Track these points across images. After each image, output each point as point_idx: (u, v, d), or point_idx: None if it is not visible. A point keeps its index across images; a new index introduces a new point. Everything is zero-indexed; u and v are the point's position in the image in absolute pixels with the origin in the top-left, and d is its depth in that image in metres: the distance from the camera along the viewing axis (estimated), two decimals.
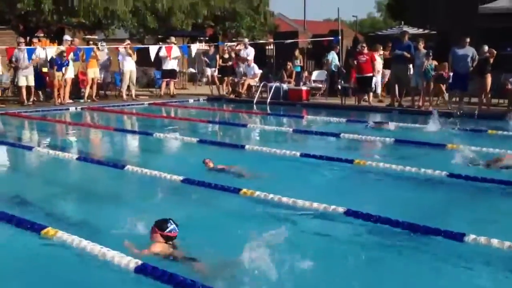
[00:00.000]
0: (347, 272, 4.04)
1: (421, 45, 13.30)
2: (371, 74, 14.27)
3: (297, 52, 17.31)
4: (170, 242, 4.18)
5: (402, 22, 20.72)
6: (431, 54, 13.11)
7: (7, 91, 15.11)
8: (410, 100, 13.69)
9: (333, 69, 15.90)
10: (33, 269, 4.05)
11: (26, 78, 13.92)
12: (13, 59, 13.78)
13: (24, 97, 14.05)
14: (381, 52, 15.13)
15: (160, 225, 4.19)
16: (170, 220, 4.22)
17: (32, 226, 4.63)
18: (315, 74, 17.68)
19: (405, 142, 8.92)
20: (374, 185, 6.62)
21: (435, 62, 13.40)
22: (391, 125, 10.47)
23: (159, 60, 16.85)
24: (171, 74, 17.05)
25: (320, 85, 16.71)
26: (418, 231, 4.62)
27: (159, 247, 4.11)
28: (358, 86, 14.62)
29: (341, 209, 5.06)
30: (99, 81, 15.89)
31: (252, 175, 6.67)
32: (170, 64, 16.77)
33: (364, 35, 26.88)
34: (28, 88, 14.09)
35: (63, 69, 14.23)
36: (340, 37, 15.03)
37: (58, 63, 14.15)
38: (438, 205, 5.79)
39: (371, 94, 14.49)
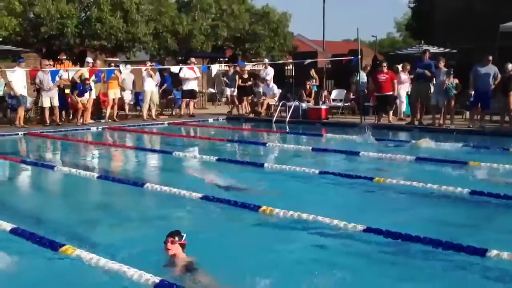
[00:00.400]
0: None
1: (442, 64, 13.23)
2: (390, 93, 14.24)
3: (312, 72, 17.36)
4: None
5: (422, 42, 20.66)
6: (452, 72, 13.04)
7: (30, 111, 15.36)
8: (431, 118, 13.58)
9: (362, 88, 15.83)
10: (52, 286, 4.05)
11: (51, 99, 14.18)
12: (37, 81, 14.04)
13: (47, 117, 14.28)
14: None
15: (178, 235, 4.29)
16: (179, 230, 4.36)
17: (51, 243, 4.64)
18: (334, 93, 17.69)
19: (425, 159, 8.81)
20: (394, 202, 6.54)
21: (456, 81, 13.30)
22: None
23: (179, 81, 17.04)
24: (191, 94, 17.21)
25: (339, 104, 16.69)
26: (440, 246, 4.52)
27: (184, 256, 4.24)
28: (377, 104, 14.57)
29: (360, 227, 4.99)
30: (130, 102, 16.14)
31: None
32: (190, 85, 16.94)
33: (384, 54, 26.86)
34: (51, 108, 14.33)
35: (86, 94, 14.51)
36: (359, 57, 15.02)
37: (80, 89, 14.46)
38: (460, 222, 5.70)
39: (390, 112, 14.44)
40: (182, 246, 4.29)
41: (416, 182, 6.85)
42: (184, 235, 4.33)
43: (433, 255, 4.50)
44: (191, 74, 16.85)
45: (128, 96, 16.17)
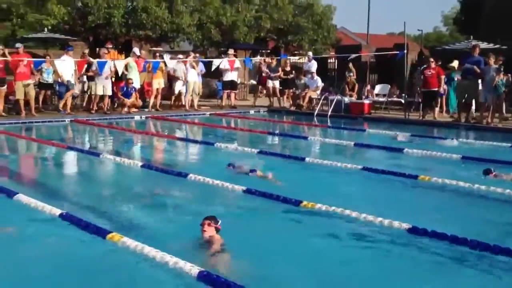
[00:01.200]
0: None
1: (491, 60, 12.83)
2: (436, 89, 13.94)
3: (350, 65, 17.13)
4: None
5: (471, 37, 20.08)
6: (502, 69, 12.64)
7: (77, 99, 15.74)
8: (479, 115, 13.23)
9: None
10: (97, 273, 4.14)
11: (104, 87, 14.50)
12: (93, 68, 14.35)
13: (95, 105, 14.60)
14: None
15: (214, 219, 4.64)
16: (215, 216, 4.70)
17: (98, 230, 4.76)
18: (378, 88, 17.42)
19: (471, 159, 8.58)
20: (440, 202, 6.40)
21: (506, 77, 12.89)
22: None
23: (220, 72, 17.12)
24: (232, 85, 17.28)
25: (383, 99, 16.44)
26: (487, 250, 4.40)
27: (219, 238, 4.55)
28: (423, 100, 14.28)
29: (405, 225, 4.90)
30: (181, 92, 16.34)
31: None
32: (231, 76, 17.00)
33: (430, 49, 26.25)
34: (101, 97, 14.64)
35: (130, 96, 14.81)
36: (405, 51, 14.73)
37: (124, 90, 14.75)
38: (508, 224, 5.52)
39: (436, 109, 14.14)
40: (217, 230, 4.59)
41: (462, 182, 6.69)
42: (220, 221, 4.63)
43: (480, 259, 4.38)
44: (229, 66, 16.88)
45: (179, 87, 16.32)
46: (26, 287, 3.88)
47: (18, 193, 5.92)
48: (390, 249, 4.71)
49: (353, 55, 17.13)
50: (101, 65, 13.92)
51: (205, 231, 4.54)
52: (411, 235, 4.80)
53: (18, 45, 14.14)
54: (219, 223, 4.63)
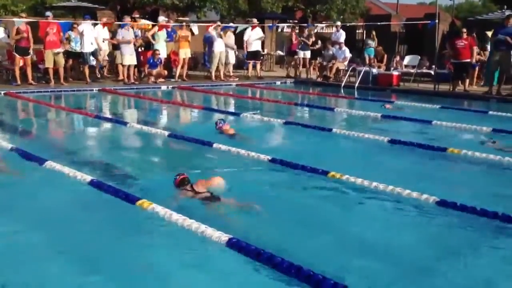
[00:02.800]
0: (438, 263, 3.87)
1: None
2: (468, 60, 13.60)
3: (373, 34, 16.80)
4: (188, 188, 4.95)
5: (505, 7, 19.44)
6: None
7: (104, 68, 15.84)
8: (511, 88, 12.90)
9: None
10: (126, 240, 4.20)
11: (130, 57, 14.55)
12: (120, 37, 14.39)
13: (123, 75, 14.68)
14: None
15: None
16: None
17: (127, 197, 4.83)
18: (407, 59, 17.07)
19: (503, 132, 8.40)
20: (469, 175, 6.31)
21: None
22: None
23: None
24: (255, 55, 17.14)
25: (412, 70, 16.12)
26: None
27: (184, 194, 4.94)
28: (454, 72, 13.96)
29: (434, 198, 4.85)
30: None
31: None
32: (254, 46, 16.84)
33: (462, 19, 25.54)
34: (128, 66, 14.72)
35: (157, 67, 14.81)
36: (436, 21, 14.35)
37: (150, 62, 14.78)
38: None
39: (467, 80, 13.83)
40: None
41: (492, 155, 6.57)
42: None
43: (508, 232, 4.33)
44: (255, 35, 16.75)
45: (233, 58, 16.36)
46: (56, 251, 3.97)
47: (47, 160, 6.03)
48: (418, 222, 4.68)
49: (381, 23, 16.77)
50: (125, 33, 14.02)
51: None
52: (440, 208, 4.75)
53: (47, 13, 14.23)
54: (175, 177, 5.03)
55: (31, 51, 13.51)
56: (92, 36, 14.34)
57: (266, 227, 4.43)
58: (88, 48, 14.27)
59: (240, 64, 18.26)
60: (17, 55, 13.24)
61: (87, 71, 14.40)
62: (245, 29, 16.71)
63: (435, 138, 8.02)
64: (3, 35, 14.14)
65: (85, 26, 14.36)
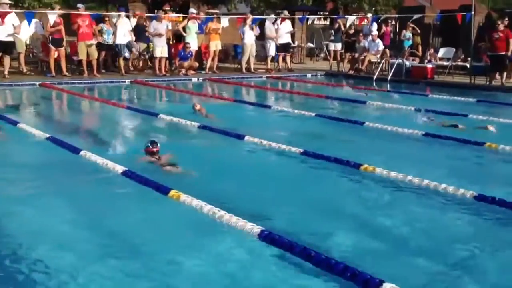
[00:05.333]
0: (474, 260, 3.76)
1: None
2: (504, 53, 13.23)
3: (410, 24, 16.48)
4: (156, 156, 5.78)
5: None
6: None
7: (136, 60, 15.96)
8: None
9: None
10: (157, 230, 4.21)
11: (161, 49, 14.63)
12: (151, 30, 14.48)
13: (157, 67, 14.76)
14: None
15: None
16: (150, 140, 5.91)
17: (158, 188, 4.83)
18: (441, 52, 16.71)
19: None
20: (508, 170, 6.12)
21: None
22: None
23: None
24: (285, 48, 17.03)
25: (447, 63, 15.78)
26: None
27: (146, 158, 5.78)
28: (490, 64, 13.61)
29: (471, 193, 4.72)
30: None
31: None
32: (284, 38, 16.73)
33: (499, 11, 24.86)
34: (160, 59, 14.79)
35: (188, 59, 14.87)
36: (472, 13, 14.00)
37: (181, 55, 14.83)
38: None
39: (504, 73, 13.46)
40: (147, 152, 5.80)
41: None
42: (148, 143, 5.84)
43: None
44: (286, 28, 16.65)
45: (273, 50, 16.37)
46: (90, 241, 4.00)
47: (81, 150, 6.09)
48: (455, 216, 4.57)
49: (416, 16, 16.45)
50: (157, 25, 14.11)
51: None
52: (478, 203, 4.62)
53: (79, 5, 14.40)
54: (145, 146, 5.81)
55: (64, 43, 13.70)
56: (125, 28, 14.45)
57: (300, 219, 4.38)
58: (121, 40, 14.38)
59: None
60: (52, 47, 13.45)
61: (121, 62, 14.53)
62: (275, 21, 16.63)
63: (471, 132, 7.81)
64: (39, 27, 14.37)
65: (119, 18, 14.47)
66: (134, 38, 14.70)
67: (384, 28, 16.80)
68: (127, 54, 14.76)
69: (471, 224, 4.43)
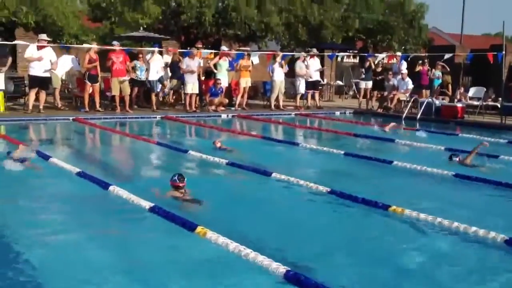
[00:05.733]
0: None
1: None
2: None
3: (439, 63, 16.44)
4: (182, 191, 5.82)
5: None
6: None
7: (168, 97, 16.28)
8: None
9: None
10: (183, 266, 4.23)
11: (192, 86, 14.93)
12: (183, 66, 14.82)
13: (188, 104, 15.01)
14: None
15: (171, 178, 5.90)
16: (177, 174, 5.93)
17: (184, 224, 4.87)
18: (472, 91, 16.59)
19: None
20: None
21: None
22: None
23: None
24: (314, 85, 17.16)
25: (477, 103, 15.62)
26: None
27: (171, 193, 5.82)
28: None
29: (502, 237, 4.61)
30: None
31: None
32: (313, 76, 16.88)
33: None
34: (190, 95, 15.06)
35: (218, 95, 15.16)
36: (503, 53, 13.92)
37: (212, 91, 15.12)
38: None
39: None
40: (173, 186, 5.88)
41: None
42: (175, 177, 5.91)
43: None
44: (315, 66, 16.82)
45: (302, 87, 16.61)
46: (116, 277, 4.04)
47: (111, 185, 6.20)
48: (485, 261, 4.46)
49: (448, 55, 16.43)
50: (189, 62, 14.44)
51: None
52: (509, 247, 4.51)
53: (114, 42, 14.85)
54: (172, 179, 5.90)
55: (99, 79, 14.12)
56: (158, 65, 14.79)
57: (326, 260, 4.34)
58: (154, 77, 14.71)
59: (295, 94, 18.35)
60: (88, 82, 13.86)
61: (154, 98, 14.83)
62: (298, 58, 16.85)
63: (503, 174, 7.66)
64: (75, 63, 14.84)
65: (153, 55, 14.81)
66: (169, 74, 15.06)
67: (420, 67, 16.78)
68: (158, 89, 15.06)
69: (501, 269, 4.32)
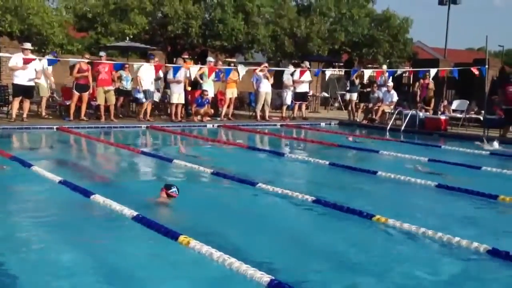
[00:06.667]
0: None
1: None
2: None
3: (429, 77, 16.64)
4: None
5: None
6: None
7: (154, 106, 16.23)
8: None
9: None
10: (168, 276, 4.20)
11: (179, 96, 14.90)
12: (169, 76, 14.78)
13: (173, 113, 14.97)
14: None
15: (168, 186, 6.21)
16: (175, 186, 6.23)
17: (168, 233, 4.83)
18: (455, 104, 16.81)
19: None
20: None
21: None
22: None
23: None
24: (303, 97, 17.26)
25: (460, 115, 15.81)
26: None
27: (163, 199, 6.10)
28: (505, 117, 13.62)
29: (485, 247, 4.64)
30: None
31: None
32: (302, 87, 16.99)
33: None
34: (176, 105, 15.01)
35: (204, 106, 15.17)
36: (486, 67, 14.14)
37: (198, 101, 15.12)
38: None
39: None
40: (168, 195, 6.14)
41: None
42: (174, 189, 6.18)
43: None
44: (305, 77, 16.91)
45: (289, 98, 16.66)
46: (96, 285, 3.99)
47: (94, 194, 6.14)
48: (468, 271, 4.48)
49: (433, 70, 16.63)
50: (175, 70, 14.39)
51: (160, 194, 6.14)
52: (491, 257, 4.54)
53: (101, 53, 14.80)
54: (171, 190, 6.14)
55: (90, 89, 14.03)
56: (152, 76, 14.66)
57: (310, 269, 4.33)
58: (149, 86, 14.57)
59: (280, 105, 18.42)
60: (76, 92, 13.76)
61: (142, 108, 14.73)
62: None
63: (484, 185, 7.74)
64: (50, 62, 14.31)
65: (146, 65, 14.69)
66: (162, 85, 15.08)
67: (421, 81, 16.91)
68: (149, 100, 14.92)
69: (485, 280, 4.34)
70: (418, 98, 16.55)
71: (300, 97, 17.11)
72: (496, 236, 5.38)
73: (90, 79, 13.92)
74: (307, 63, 17.77)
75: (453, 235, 4.94)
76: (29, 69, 13.04)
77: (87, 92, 14.01)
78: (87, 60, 13.97)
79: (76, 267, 4.24)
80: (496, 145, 11.72)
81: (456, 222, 5.97)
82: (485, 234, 5.40)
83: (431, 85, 16.76)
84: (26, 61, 12.83)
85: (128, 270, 4.25)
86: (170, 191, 6.17)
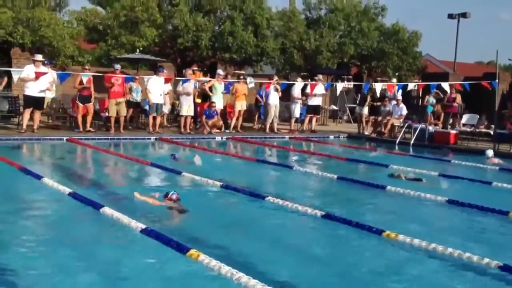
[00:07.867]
0: None
1: None
2: None
3: (435, 91, 16.58)
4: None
5: None
6: None
7: (163, 118, 16.28)
8: None
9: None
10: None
11: (188, 108, 14.96)
12: (180, 88, 14.87)
13: (182, 125, 15.01)
14: None
15: (166, 194, 6.70)
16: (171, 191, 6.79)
17: (178, 246, 4.82)
18: (465, 118, 16.73)
19: None
20: None
21: None
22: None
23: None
24: (315, 110, 17.29)
25: (470, 130, 15.73)
26: None
27: (171, 203, 6.61)
28: None
29: (495, 263, 4.60)
30: None
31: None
32: (315, 101, 17.02)
33: None
34: (185, 117, 15.06)
35: (214, 117, 15.22)
36: (497, 81, 14.09)
37: (206, 113, 15.17)
38: None
39: None
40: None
41: None
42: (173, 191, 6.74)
43: None
44: (318, 90, 16.95)
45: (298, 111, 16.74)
46: None
47: (104, 206, 6.15)
48: (479, 287, 4.43)
49: (446, 83, 16.58)
50: (184, 82, 14.48)
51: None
52: (503, 273, 4.49)
53: (117, 66, 14.94)
54: (170, 194, 6.70)
55: (92, 100, 14.11)
56: (161, 89, 14.70)
57: (319, 284, 4.30)
58: (157, 99, 14.63)
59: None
60: (79, 103, 13.87)
61: (151, 120, 14.77)
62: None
63: (495, 201, 7.67)
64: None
65: (155, 77, 14.73)
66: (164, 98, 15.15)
67: (448, 94, 16.75)
68: (158, 112, 14.96)
69: None
70: (442, 115, 16.29)
71: (312, 110, 17.17)
72: (508, 252, 5.31)
73: (92, 90, 14.00)
74: (320, 76, 17.85)
75: (463, 250, 4.90)
76: (40, 81, 13.15)
77: (91, 103, 14.10)
78: (89, 73, 14.05)
79: (83, 280, 4.24)
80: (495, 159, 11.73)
81: (466, 237, 5.92)
82: (496, 250, 5.33)
83: (459, 99, 16.45)
84: (38, 75, 12.93)
85: (135, 284, 4.24)
86: (170, 195, 6.69)
